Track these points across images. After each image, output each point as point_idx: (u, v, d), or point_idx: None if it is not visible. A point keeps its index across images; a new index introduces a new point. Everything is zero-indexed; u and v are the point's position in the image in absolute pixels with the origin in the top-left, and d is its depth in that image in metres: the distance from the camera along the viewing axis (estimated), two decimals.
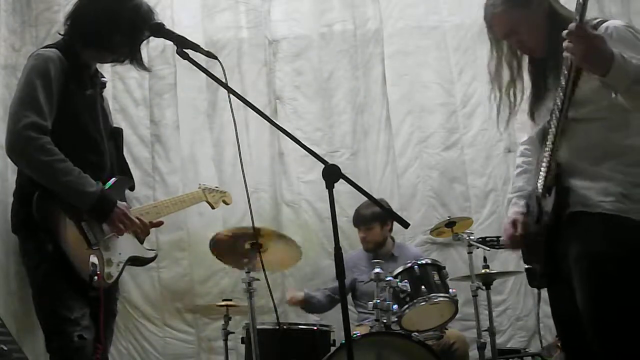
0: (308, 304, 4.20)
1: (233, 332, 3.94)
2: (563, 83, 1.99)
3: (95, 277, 2.32)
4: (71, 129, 2.40)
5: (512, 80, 2.32)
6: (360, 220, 4.30)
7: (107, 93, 2.80)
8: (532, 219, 2.27)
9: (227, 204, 3.45)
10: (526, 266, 2.37)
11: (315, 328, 3.62)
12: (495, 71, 2.34)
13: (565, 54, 1.89)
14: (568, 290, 2.10)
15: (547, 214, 2.15)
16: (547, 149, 2.13)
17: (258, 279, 3.40)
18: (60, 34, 2.57)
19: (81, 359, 2.28)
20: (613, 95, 1.95)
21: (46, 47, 2.51)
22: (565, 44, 1.87)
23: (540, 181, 2.19)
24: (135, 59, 2.56)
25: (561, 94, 2.01)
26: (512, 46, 2.29)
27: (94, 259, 2.35)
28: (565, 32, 1.86)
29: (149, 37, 2.51)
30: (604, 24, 2.07)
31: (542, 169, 2.17)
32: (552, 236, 2.15)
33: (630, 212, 2.00)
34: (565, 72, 1.97)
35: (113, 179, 2.51)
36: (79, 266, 2.30)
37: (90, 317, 2.35)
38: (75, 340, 2.26)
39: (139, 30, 2.45)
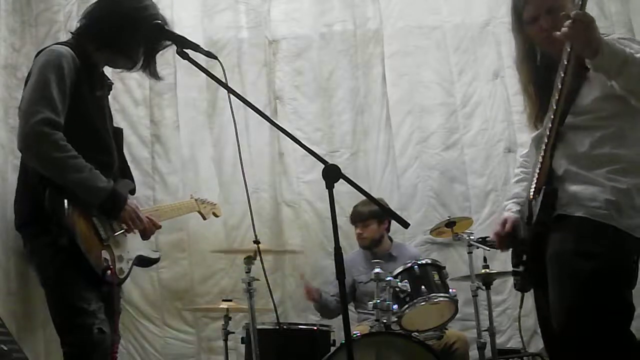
0: (322, 304, 4.19)
1: (233, 332, 3.94)
2: (558, 82, 2.01)
3: (108, 272, 2.33)
4: (81, 128, 2.39)
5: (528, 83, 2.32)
6: (357, 217, 4.30)
7: None
8: (523, 222, 2.28)
9: (217, 216, 3.45)
10: (514, 269, 2.38)
11: (315, 328, 3.63)
12: (520, 65, 2.33)
13: (560, 35, 1.91)
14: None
15: (535, 214, 2.17)
16: (541, 152, 2.15)
17: (258, 279, 3.40)
18: (71, 32, 2.56)
19: (100, 353, 2.27)
20: (609, 83, 1.99)
21: (57, 44, 2.50)
22: (563, 28, 1.89)
23: (532, 184, 2.20)
24: (149, 67, 2.55)
25: (556, 95, 2.03)
26: (527, 55, 2.27)
27: (105, 254, 2.37)
28: (572, 14, 1.88)
29: (167, 47, 2.48)
30: (605, 38, 2.08)
31: (536, 172, 2.18)
32: (539, 238, 2.16)
33: (612, 219, 2.02)
34: (562, 71, 1.98)
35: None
36: (93, 261, 2.30)
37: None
38: (95, 333, 2.26)
39: (158, 39, 2.44)
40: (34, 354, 3.96)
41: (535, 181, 2.18)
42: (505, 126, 5.05)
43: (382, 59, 5.17)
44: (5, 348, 2.60)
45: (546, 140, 2.12)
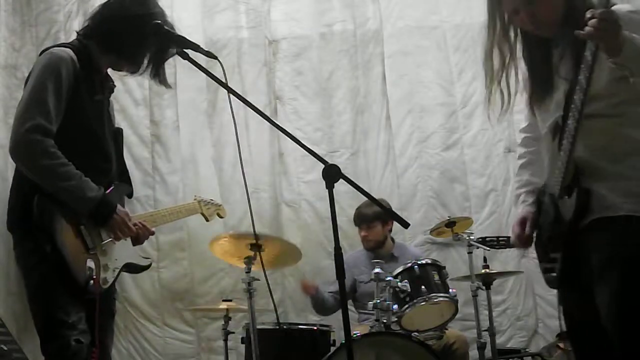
0: (318, 299, 4.18)
1: (233, 332, 3.94)
2: (583, 80, 1.90)
3: (91, 282, 2.31)
4: (79, 133, 2.39)
5: (503, 66, 2.22)
6: (362, 219, 4.29)
7: None
8: (549, 218, 2.20)
9: (221, 217, 3.44)
10: (544, 266, 2.31)
11: (315, 328, 3.62)
12: (487, 55, 2.24)
13: (585, 32, 1.81)
14: (584, 294, 2.05)
15: (566, 216, 2.08)
16: (563, 147, 2.04)
17: (258, 279, 3.40)
18: (77, 32, 2.55)
19: None
20: (631, 80, 1.89)
21: (60, 45, 2.49)
22: (588, 27, 1.79)
23: (556, 180, 2.11)
24: (158, 75, 2.54)
25: (580, 93, 1.93)
26: (505, 29, 2.19)
27: (90, 263, 2.34)
28: (598, 13, 1.78)
29: (173, 55, 2.45)
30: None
31: (559, 168, 2.08)
32: (572, 239, 2.08)
33: None
34: (587, 70, 1.88)
35: (111, 187, 2.50)
36: (75, 270, 2.29)
37: (86, 320, 2.33)
38: (73, 344, 2.24)
39: (166, 47, 2.42)
40: (33, 354, 3.95)
41: (561, 177, 2.08)
42: (505, 126, 5.04)
43: (382, 59, 5.17)
44: (5, 348, 2.61)
45: (570, 137, 2.01)
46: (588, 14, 1.80)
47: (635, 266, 1.94)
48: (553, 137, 2.15)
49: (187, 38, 2.22)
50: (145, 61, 2.50)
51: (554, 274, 2.22)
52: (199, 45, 2.20)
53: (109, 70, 2.62)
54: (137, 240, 2.57)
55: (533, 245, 2.34)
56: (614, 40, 1.80)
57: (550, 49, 2.17)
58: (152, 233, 2.62)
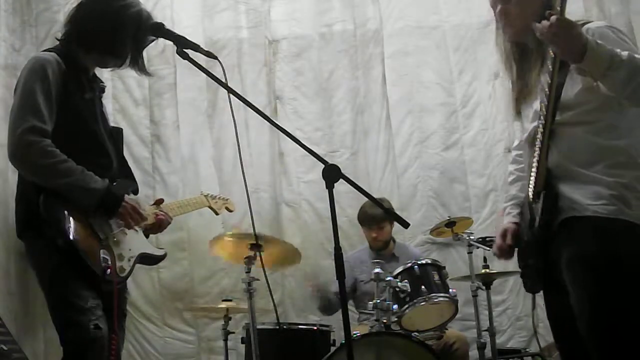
0: (324, 299, 4.15)
1: (233, 332, 3.94)
2: (546, 87, 2.00)
3: (108, 271, 2.33)
4: (74, 131, 2.41)
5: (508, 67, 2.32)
6: (371, 220, 4.26)
7: (107, 93, 2.81)
8: (525, 224, 2.26)
9: (230, 210, 3.46)
10: (521, 271, 2.36)
11: (315, 328, 3.63)
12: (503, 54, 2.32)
13: (538, 29, 1.91)
14: (561, 295, 2.09)
15: (537, 218, 2.14)
16: (535, 153, 2.13)
17: (258, 279, 3.40)
18: (57, 38, 2.57)
19: (96, 349, 2.28)
20: (594, 83, 1.98)
21: (44, 51, 2.52)
22: (543, 32, 1.90)
23: (531, 187, 2.18)
24: (137, 64, 2.57)
25: (545, 98, 2.02)
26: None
27: (104, 253, 2.37)
28: (545, 22, 1.88)
29: (151, 42, 2.53)
30: (585, 26, 2.07)
31: (532, 174, 2.16)
32: (545, 241, 2.14)
33: (621, 213, 2.00)
34: (549, 77, 1.97)
35: (114, 183, 2.51)
36: (90, 260, 2.31)
37: (103, 312, 2.35)
38: (91, 329, 2.26)
39: (143, 35, 2.46)
40: (34, 354, 3.96)
41: (533, 183, 2.16)
42: (505, 126, 5.04)
43: (382, 59, 5.18)
44: (5, 348, 2.61)
45: (539, 144, 2.10)
46: (546, 15, 1.89)
47: (597, 263, 1.98)
48: (530, 145, 2.22)
49: (187, 38, 2.23)
50: (128, 52, 2.52)
51: (530, 278, 2.28)
52: (199, 45, 2.20)
53: (104, 69, 2.65)
54: (158, 228, 2.63)
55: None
56: (568, 46, 1.88)
57: (529, 54, 2.23)
58: (170, 220, 2.70)
